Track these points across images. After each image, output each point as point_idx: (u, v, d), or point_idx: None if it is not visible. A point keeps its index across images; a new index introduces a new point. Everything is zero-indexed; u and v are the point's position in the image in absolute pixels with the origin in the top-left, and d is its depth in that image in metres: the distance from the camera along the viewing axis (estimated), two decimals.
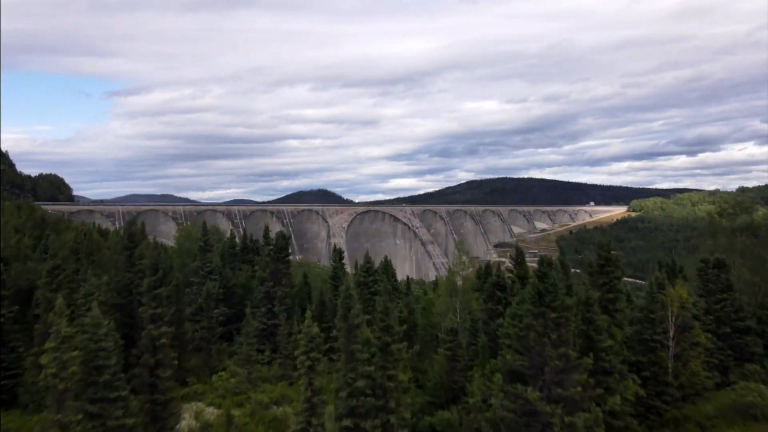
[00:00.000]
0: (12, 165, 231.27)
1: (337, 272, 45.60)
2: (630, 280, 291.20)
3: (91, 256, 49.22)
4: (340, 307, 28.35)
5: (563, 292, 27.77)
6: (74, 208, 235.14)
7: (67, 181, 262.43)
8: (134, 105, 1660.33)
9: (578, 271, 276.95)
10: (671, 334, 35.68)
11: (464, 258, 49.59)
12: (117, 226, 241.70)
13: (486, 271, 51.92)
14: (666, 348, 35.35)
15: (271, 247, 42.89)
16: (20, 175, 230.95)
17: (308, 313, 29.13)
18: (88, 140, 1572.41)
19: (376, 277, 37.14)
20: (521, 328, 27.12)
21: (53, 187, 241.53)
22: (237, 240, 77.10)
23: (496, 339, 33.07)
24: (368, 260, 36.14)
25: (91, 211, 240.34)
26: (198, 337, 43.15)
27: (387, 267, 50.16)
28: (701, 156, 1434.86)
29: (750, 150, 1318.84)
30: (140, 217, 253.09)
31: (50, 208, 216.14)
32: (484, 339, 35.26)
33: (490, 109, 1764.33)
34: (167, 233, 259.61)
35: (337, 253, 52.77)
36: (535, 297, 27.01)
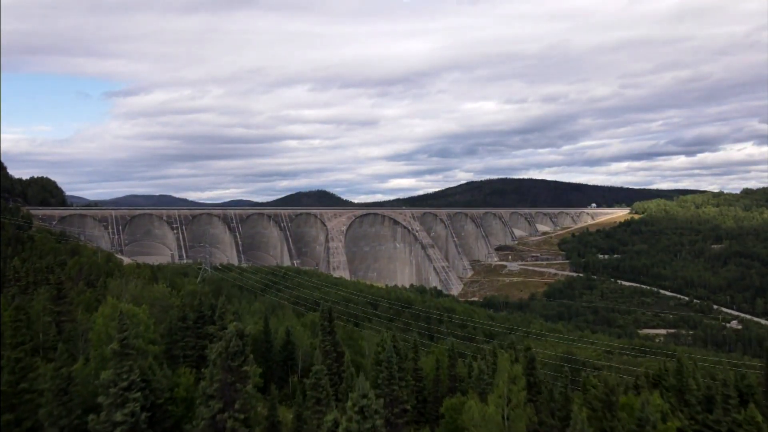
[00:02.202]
0: (3, 168, 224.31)
1: (319, 382, 30.76)
2: (633, 284, 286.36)
3: None
4: None
5: None
6: (65, 212, 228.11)
7: (64, 182, 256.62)
8: (133, 105, 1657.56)
9: (582, 275, 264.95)
10: None
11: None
12: (110, 230, 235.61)
13: (531, 366, 36.38)
14: None
15: (221, 352, 26.42)
16: (10, 178, 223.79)
17: None
18: (87, 140, 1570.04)
19: (375, 422, 22.67)
20: None
21: (44, 191, 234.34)
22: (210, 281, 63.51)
23: None
24: (365, 393, 22.45)
25: (83, 216, 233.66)
26: None
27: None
28: (700, 156, 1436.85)
29: (749, 150, 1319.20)
30: (134, 221, 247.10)
31: (40, 212, 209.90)
32: None
33: (489, 109, 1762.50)
34: (162, 237, 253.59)
35: (326, 320, 39.29)
36: None
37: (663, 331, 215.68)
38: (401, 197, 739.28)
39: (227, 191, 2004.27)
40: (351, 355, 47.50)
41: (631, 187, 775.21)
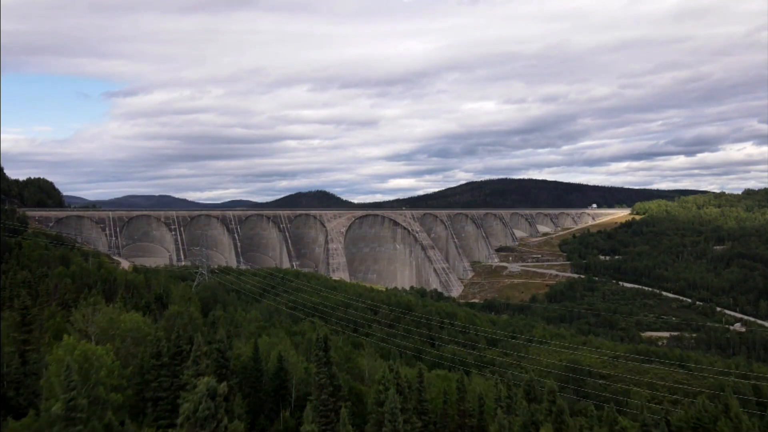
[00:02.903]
0: (0, 169, 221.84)
1: None
2: (635, 286, 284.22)
3: None
4: None
5: None
6: (62, 213, 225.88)
7: (63, 182, 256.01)
8: (133, 106, 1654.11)
9: (584, 277, 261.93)
10: None
11: None
12: (107, 232, 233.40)
13: (559, 420, 33.92)
14: None
15: (189, 416, 21.65)
16: (7, 179, 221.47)
17: None
18: (86, 141, 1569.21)
19: None
20: None
21: (41, 192, 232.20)
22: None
23: None
24: None
25: (80, 217, 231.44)
26: None
27: None
28: (700, 156, 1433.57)
29: (748, 150, 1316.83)
30: (132, 222, 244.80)
31: (37, 214, 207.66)
32: None
33: (488, 109, 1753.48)
34: (160, 239, 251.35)
35: (321, 350, 35.17)
36: None
37: (666, 334, 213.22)
38: (401, 197, 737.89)
39: (227, 191, 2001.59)
40: (350, 380, 44.49)
41: (630, 187, 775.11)
